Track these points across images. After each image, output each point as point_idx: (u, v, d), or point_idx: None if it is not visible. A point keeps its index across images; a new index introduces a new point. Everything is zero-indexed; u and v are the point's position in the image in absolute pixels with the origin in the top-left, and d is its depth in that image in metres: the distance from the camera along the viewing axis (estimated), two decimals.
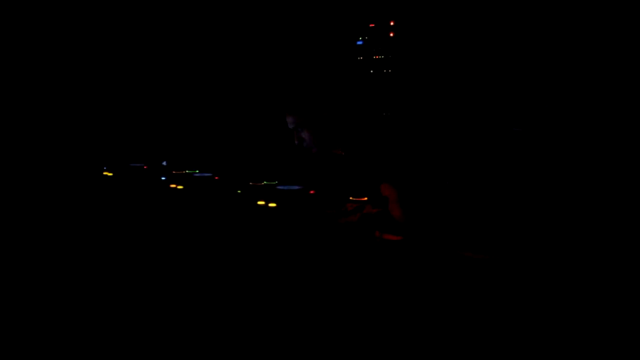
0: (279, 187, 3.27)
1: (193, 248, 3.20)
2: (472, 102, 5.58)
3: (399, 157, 3.56)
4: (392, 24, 6.67)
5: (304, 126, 3.51)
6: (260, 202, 2.86)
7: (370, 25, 6.70)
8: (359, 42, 6.74)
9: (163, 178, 3.85)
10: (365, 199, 3.02)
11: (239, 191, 3.23)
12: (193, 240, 3.24)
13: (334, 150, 3.54)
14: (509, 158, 4.67)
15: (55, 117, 5.80)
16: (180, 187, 3.59)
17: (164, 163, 4.76)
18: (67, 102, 5.94)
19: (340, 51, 5.35)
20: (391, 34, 6.64)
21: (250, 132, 6.37)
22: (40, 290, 3.37)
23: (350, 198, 3.00)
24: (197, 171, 4.22)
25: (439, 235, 2.98)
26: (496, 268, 2.42)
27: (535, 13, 5.22)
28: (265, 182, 3.49)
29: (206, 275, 3.08)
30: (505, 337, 2.24)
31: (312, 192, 3.16)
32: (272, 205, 2.83)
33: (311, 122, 3.47)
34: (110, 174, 4.30)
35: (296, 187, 3.29)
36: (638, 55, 4.07)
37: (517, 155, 4.63)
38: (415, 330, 2.41)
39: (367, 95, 6.37)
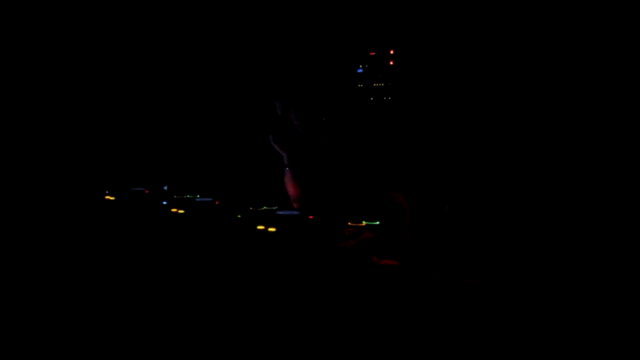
0: (278, 212, 3.32)
1: (194, 270, 3.23)
2: (471, 129, 5.64)
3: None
4: (392, 52, 6.78)
5: (291, 108, 3.47)
6: (260, 227, 2.91)
7: (371, 54, 6.81)
8: (360, 70, 6.83)
9: (164, 202, 3.90)
10: (364, 224, 3.07)
11: (239, 216, 3.28)
12: (194, 263, 3.28)
13: (323, 134, 3.50)
14: (506, 185, 4.71)
15: (56, 140, 5.87)
16: (181, 211, 3.64)
17: (165, 187, 4.82)
18: (67, 124, 6.01)
19: (342, 80, 5.38)
20: (391, 63, 6.75)
21: (250, 156, 6.42)
22: (37, 311, 3.39)
23: (349, 223, 3.04)
24: (198, 196, 4.28)
25: (438, 260, 3.01)
26: (495, 295, 2.45)
27: (535, 46, 5.33)
28: (265, 207, 3.54)
29: (205, 296, 3.10)
30: None
31: (311, 217, 3.20)
32: (271, 229, 2.88)
33: (299, 103, 3.42)
34: (113, 198, 4.36)
35: (295, 213, 3.34)
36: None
37: (514, 182, 4.68)
38: (410, 356, 2.43)
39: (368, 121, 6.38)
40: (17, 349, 3.09)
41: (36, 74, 5.93)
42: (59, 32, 6.05)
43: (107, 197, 4.31)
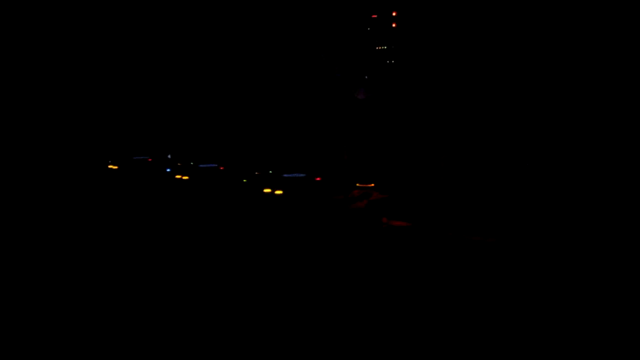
0: (284, 175, 3.26)
1: (201, 237, 3.19)
2: (476, 93, 5.56)
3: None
4: (394, 14, 6.62)
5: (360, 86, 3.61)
6: (267, 190, 2.85)
7: (373, 17, 6.66)
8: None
9: (168, 170, 3.84)
10: (372, 185, 3.01)
11: (244, 180, 3.22)
12: (200, 229, 3.23)
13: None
14: (512, 145, 4.65)
15: (59, 112, 5.79)
16: (185, 177, 3.59)
17: (169, 156, 4.75)
18: (70, 96, 5.93)
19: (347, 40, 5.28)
20: (394, 25, 6.59)
21: (254, 121, 6.34)
22: (42, 282, 3.37)
23: (357, 184, 2.98)
24: (202, 163, 4.22)
25: (446, 220, 2.96)
26: (504, 252, 2.41)
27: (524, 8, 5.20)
28: (270, 171, 3.48)
29: (216, 262, 3.07)
30: (510, 323, 2.23)
31: (318, 179, 3.14)
32: (278, 192, 2.82)
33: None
34: (115, 167, 4.30)
35: (301, 175, 3.28)
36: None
37: (521, 142, 4.61)
38: (420, 315, 2.40)
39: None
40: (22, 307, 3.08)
41: (47, 50, 5.84)
42: (63, 20, 5.94)
43: (110, 166, 4.25)
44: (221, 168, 3.89)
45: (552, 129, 4.55)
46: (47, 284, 3.34)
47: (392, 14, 6.59)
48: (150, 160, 4.44)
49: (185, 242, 3.38)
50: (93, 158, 4.93)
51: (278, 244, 2.96)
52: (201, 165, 4.04)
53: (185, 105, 6.60)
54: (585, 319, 2.17)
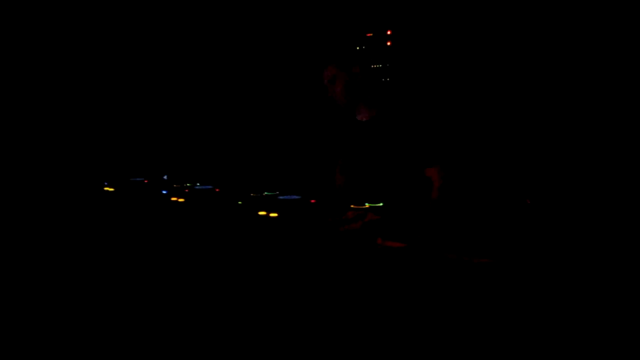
0: (279, 197, 3.27)
1: (196, 260, 3.18)
2: (471, 108, 5.57)
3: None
4: (389, 33, 6.68)
5: (337, 79, 3.55)
6: (262, 213, 2.85)
7: (368, 35, 6.72)
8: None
9: (164, 192, 3.85)
10: (367, 206, 3.01)
11: (239, 202, 3.23)
12: (195, 253, 3.23)
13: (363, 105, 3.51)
14: (508, 160, 4.65)
15: (55, 132, 5.81)
16: (181, 200, 3.59)
17: (165, 177, 4.76)
18: (66, 117, 5.95)
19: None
20: (388, 43, 6.64)
21: (250, 142, 6.36)
22: (38, 310, 3.35)
23: (352, 206, 2.99)
24: (198, 184, 4.23)
25: (443, 240, 2.96)
26: (503, 273, 2.40)
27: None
28: (266, 193, 3.49)
29: (209, 285, 3.06)
30: (510, 346, 2.21)
31: (313, 201, 3.15)
32: (273, 215, 2.82)
33: (345, 76, 3.48)
34: (112, 189, 4.30)
35: (296, 197, 3.29)
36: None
37: (516, 157, 4.61)
38: (417, 340, 2.39)
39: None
40: (17, 345, 3.06)
41: (39, 68, 5.87)
42: (61, 29, 5.98)
43: (106, 188, 4.25)
44: (216, 190, 3.90)
45: (554, 151, 4.55)
46: (39, 307, 3.32)
47: (386, 32, 6.64)
48: (146, 181, 4.45)
49: (180, 264, 3.37)
50: (90, 180, 4.94)
51: (273, 265, 2.95)
52: (197, 187, 4.05)
53: (181, 125, 6.62)
54: (591, 343, 2.15)
